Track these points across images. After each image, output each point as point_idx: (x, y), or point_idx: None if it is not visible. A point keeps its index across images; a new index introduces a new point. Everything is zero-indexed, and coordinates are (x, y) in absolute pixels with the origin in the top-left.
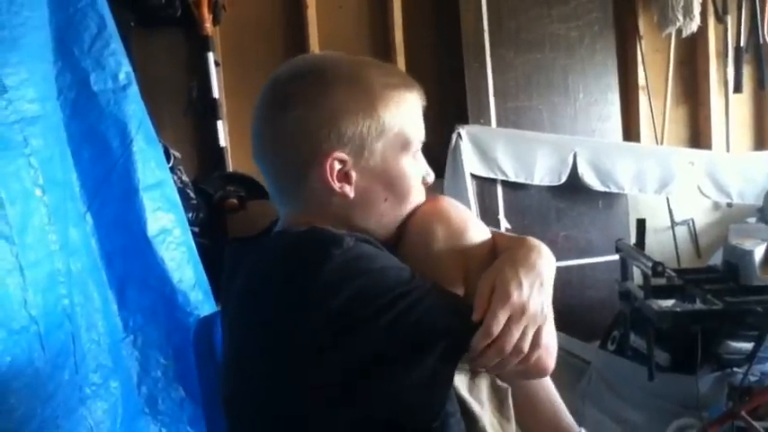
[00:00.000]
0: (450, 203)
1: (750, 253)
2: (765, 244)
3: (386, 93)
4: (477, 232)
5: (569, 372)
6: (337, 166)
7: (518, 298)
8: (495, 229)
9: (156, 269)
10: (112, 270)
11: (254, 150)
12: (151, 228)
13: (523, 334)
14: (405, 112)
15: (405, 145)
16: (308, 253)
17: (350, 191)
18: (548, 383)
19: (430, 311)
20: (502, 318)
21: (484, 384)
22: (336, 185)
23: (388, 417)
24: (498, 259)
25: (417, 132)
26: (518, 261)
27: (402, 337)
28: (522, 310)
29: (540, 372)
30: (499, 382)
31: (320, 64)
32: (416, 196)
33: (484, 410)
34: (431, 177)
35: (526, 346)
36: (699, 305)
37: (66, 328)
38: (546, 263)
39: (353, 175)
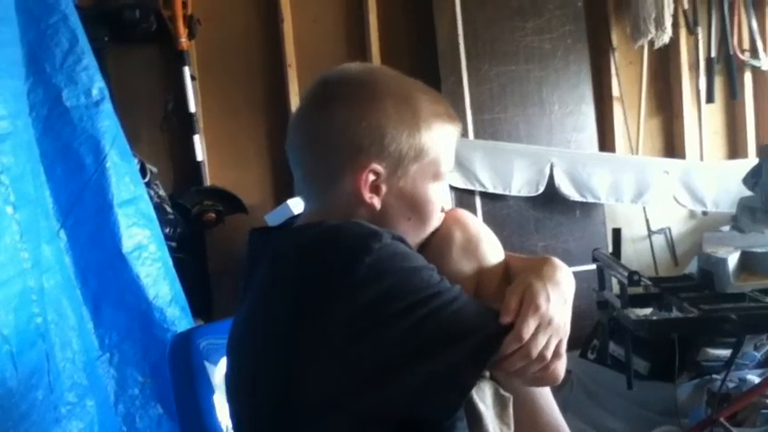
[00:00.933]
0: (468, 214)
1: (724, 261)
2: (739, 251)
3: (431, 119)
4: (493, 245)
5: None
6: (371, 177)
7: (546, 310)
8: (511, 253)
9: (132, 285)
10: (87, 287)
11: (290, 141)
12: (126, 244)
13: (548, 343)
14: (443, 142)
15: (436, 174)
16: (348, 244)
17: (377, 203)
18: (548, 393)
19: (462, 311)
20: (532, 325)
21: (488, 390)
22: (367, 195)
23: (405, 412)
24: (526, 273)
25: (449, 164)
26: (545, 277)
27: (433, 333)
28: (549, 321)
29: (553, 380)
30: (502, 391)
31: (374, 74)
32: (435, 222)
33: (488, 413)
34: (447, 206)
35: (549, 354)
36: (675, 313)
37: (39, 347)
38: (569, 283)
39: (383, 188)
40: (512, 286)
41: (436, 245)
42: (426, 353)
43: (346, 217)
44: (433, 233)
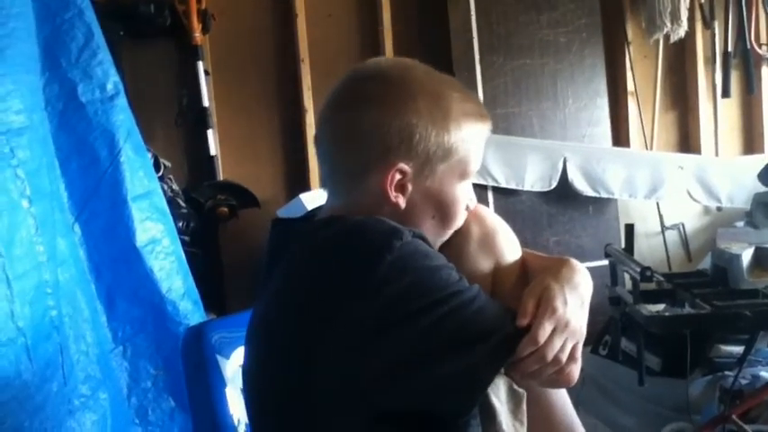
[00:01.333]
0: (487, 210)
1: (738, 257)
2: (753, 247)
3: (462, 118)
4: (510, 241)
5: None
6: (398, 176)
7: (563, 313)
8: (528, 250)
9: (145, 279)
10: (101, 281)
11: (319, 135)
12: (140, 238)
13: (563, 346)
14: (473, 142)
15: (463, 173)
16: (370, 241)
17: (402, 202)
18: (562, 390)
19: (481, 311)
20: (548, 328)
21: (502, 386)
22: (392, 194)
23: (421, 408)
24: (543, 275)
25: (477, 163)
26: (563, 279)
27: (452, 332)
28: (565, 325)
29: (567, 382)
30: (516, 387)
31: (407, 72)
32: (460, 221)
33: (502, 408)
34: (473, 204)
35: (564, 357)
36: (688, 309)
37: (54, 340)
38: (587, 285)
39: (409, 187)
40: (529, 287)
41: (454, 240)
42: (445, 352)
43: (370, 213)
44: None
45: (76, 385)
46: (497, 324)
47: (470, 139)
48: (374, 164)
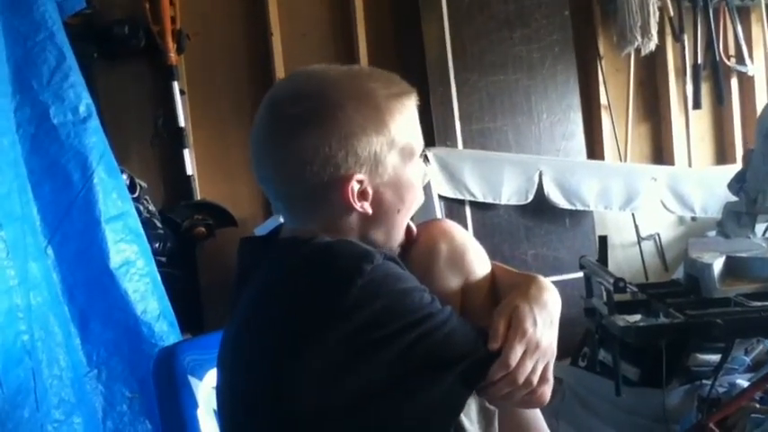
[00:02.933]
0: (454, 225)
1: (709, 266)
2: (724, 257)
3: (391, 105)
4: (479, 257)
5: None
6: (357, 186)
7: (533, 334)
8: (497, 263)
9: (120, 301)
10: (75, 304)
11: (259, 173)
12: (114, 260)
13: (534, 368)
14: (408, 121)
15: (410, 154)
16: (341, 265)
17: (369, 208)
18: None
19: (452, 335)
20: (519, 351)
21: (473, 405)
22: (357, 205)
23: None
24: (512, 294)
25: (419, 138)
26: (532, 298)
27: (424, 356)
28: (536, 346)
29: (539, 403)
30: (488, 405)
31: (322, 83)
32: (421, 198)
33: (473, 428)
34: (428, 177)
35: (536, 379)
36: (662, 319)
37: (25, 365)
38: (555, 303)
39: (370, 191)
40: (499, 308)
41: (422, 257)
42: (416, 377)
43: (340, 226)
44: (418, 244)
45: (50, 410)
46: (468, 348)
47: (405, 121)
48: (328, 184)
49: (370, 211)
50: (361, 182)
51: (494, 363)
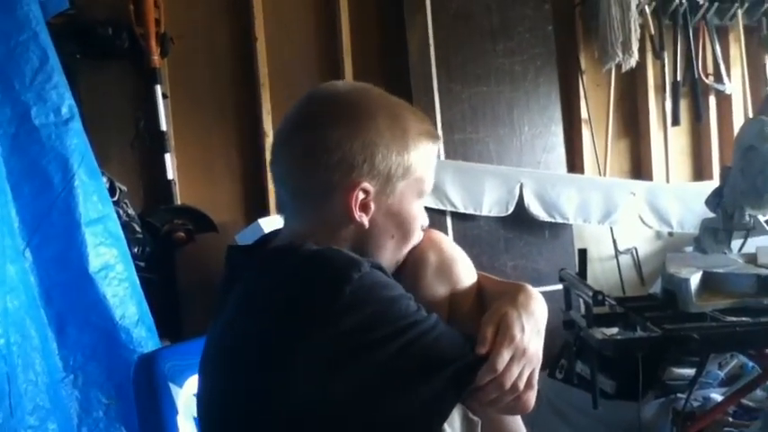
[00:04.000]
0: (443, 237)
1: (686, 281)
2: (701, 272)
3: (418, 138)
4: (466, 267)
5: None
6: (362, 195)
7: (520, 341)
8: (483, 273)
9: (98, 306)
10: (52, 307)
11: (276, 158)
12: (93, 263)
13: (521, 374)
14: (428, 161)
15: (420, 191)
16: (329, 273)
17: (366, 221)
18: (517, 417)
19: (439, 340)
20: (506, 356)
21: (456, 414)
22: (357, 214)
23: None
24: (501, 301)
25: (431, 182)
26: (520, 305)
27: (411, 363)
28: (523, 352)
29: (524, 410)
30: (471, 415)
31: (363, 92)
32: (416, 239)
33: None
34: (426, 223)
35: (522, 385)
36: (639, 332)
37: (0, 369)
38: (542, 311)
39: (372, 206)
40: (487, 314)
41: (411, 267)
42: (404, 383)
43: (334, 234)
44: (409, 257)
45: (23, 416)
46: (456, 353)
47: (426, 158)
48: (337, 183)
49: (366, 225)
50: (367, 192)
51: (481, 367)
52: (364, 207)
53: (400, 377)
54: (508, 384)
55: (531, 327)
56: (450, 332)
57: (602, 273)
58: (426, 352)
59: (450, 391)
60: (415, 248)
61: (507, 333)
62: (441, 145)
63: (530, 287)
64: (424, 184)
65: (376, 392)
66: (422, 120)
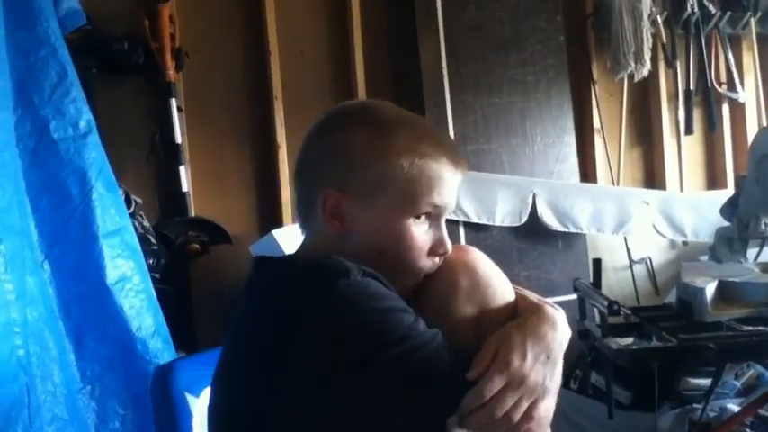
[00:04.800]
0: (478, 256)
1: (701, 290)
2: (716, 281)
3: (406, 153)
4: (501, 286)
5: None
6: (331, 201)
7: (519, 368)
8: (521, 290)
9: (115, 317)
10: (70, 319)
11: (295, 177)
12: (110, 275)
13: (517, 404)
14: (421, 179)
15: (409, 209)
16: (316, 280)
17: (339, 228)
18: None
19: (430, 358)
20: (497, 383)
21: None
22: (327, 218)
23: None
24: (508, 324)
25: (432, 203)
26: (528, 330)
27: (395, 377)
28: (520, 380)
29: None
30: None
31: (366, 104)
32: (421, 264)
33: None
34: (444, 249)
35: (517, 416)
36: (654, 342)
37: (20, 380)
38: (558, 335)
39: (347, 214)
40: (492, 336)
41: (440, 290)
42: (388, 396)
43: (327, 244)
44: (438, 275)
45: (42, 426)
46: (445, 373)
47: (418, 175)
48: (318, 189)
49: (340, 231)
50: (336, 199)
51: (468, 391)
52: (338, 214)
53: (383, 392)
54: (498, 414)
55: (537, 353)
56: (446, 351)
57: (616, 282)
58: (412, 369)
59: (431, 412)
60: (445, 270)
61: (503, 359)
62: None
63: (549, 309)
64: (414, 203)
65: (358, 406)
66: (426, 138)
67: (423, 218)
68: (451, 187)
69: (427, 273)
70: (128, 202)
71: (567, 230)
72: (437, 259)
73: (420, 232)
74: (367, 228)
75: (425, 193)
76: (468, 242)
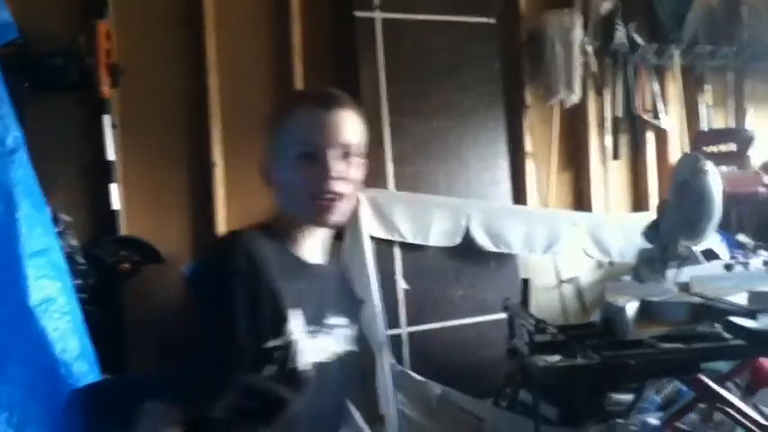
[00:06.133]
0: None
1: (623, 309)
2: (638, 300)
3: (282, 115)
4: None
5: (464, 429)
6: (263, 166)
7: None
8: None
9: (38, 340)
10: None
11: None
12: (34, 297)
13: None
14: (295, 127)
15: (299, 154)
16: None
17: (269, 183)
18: None
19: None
20: None
21: None
22: (265, 180)
23: None
24: None
25: (307, 142)
26: None
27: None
28: None
29: None
30: None
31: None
32: (304, 202)
33: None
34: (330, 174)
35: None
36: (579, 360)
37: None
38: None
39: (271, 174)
40: None
41: None
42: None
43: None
44: None
45: None
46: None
47: (293, 126)
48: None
49: (271, 187)
50: (264, 164)
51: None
52: (268, 175)
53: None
54: None
55: None
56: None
57: (545, 302)
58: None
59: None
60: None
61: None
62: (390, 177)
63: None
64: (297, 149)
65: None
66: (292, 98)
67: (302, 160)
68: (321, 127)
69: (323, 213)
70: (55, 220)
71: (499, 251)
72: (322, 198)
73: (300, 173)
74: (279, 178)
75: (301, 136)
76: (405, 262)
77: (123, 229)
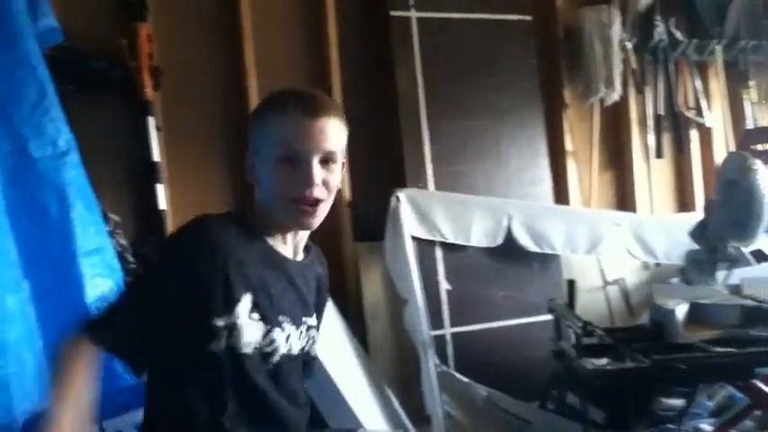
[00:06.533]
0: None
1: (672, 312)
2: (687, 303)
3: (257, 119)
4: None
5: None
6: (248, 162)
7: None
8: None
9: None
10: (49, 338)
11: None
12: (90, 294)
13: None
14: (270, 132)
15: (276, 157)
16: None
17: (252, 178)
18: None
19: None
20: None
21: None
22: (248, 174)
23: None
24: None
25: (283, 147)
26: None
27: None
28: None
29: None
30: None
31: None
32: (283, 205)
33: None
34: (312, 181)
35: None
36: (628, 363)
37: (0, 400)
38: None
39: (254, 169)
40: None
41: None
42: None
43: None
44: None
45: None
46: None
47: (268, 131)
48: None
49: (253, 182)
50: (249, 160)
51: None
52: (252, 170)
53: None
54: None
55: None
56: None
57: (590, 303)
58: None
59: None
60: None
61: None
62: (430, 178)
63: None
64: (274, 151)
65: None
66: (267, 101)
67: (283, 163)
68: (306, 135)
69: (302, 218)
70: (104, 219)
71: (542, 251)
72: (303, 204)
73: (282, 172)
74: (260, 174)
75: (276, 141)
76: (446, 262)
77: (169, 228)
